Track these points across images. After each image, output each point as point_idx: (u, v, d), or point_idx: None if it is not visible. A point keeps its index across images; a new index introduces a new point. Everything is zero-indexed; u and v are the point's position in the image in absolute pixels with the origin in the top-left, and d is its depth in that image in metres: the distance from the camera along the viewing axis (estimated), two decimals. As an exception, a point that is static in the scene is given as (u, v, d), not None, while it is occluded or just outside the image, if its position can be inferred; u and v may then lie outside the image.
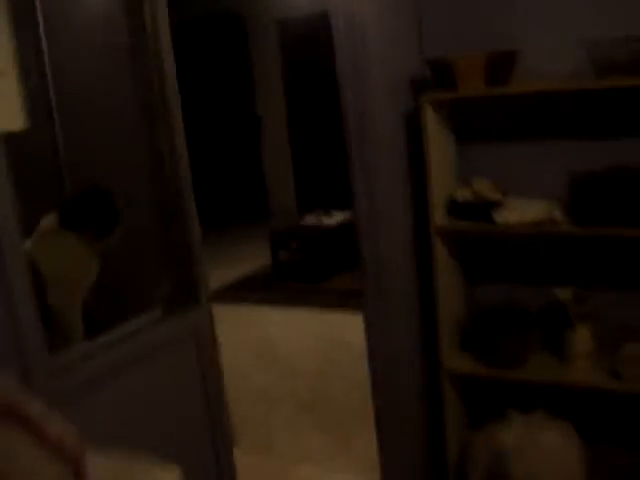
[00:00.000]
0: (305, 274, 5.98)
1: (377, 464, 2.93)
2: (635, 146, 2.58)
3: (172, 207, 2.22)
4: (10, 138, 1.68)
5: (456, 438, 2.93)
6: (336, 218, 6.20)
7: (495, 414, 2.85)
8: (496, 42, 2.62)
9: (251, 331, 5.13)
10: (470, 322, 2.95)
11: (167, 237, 2.23)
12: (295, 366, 4.38)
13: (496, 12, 2.69)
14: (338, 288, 5.69)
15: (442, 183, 2.73)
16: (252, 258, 6.91)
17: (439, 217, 2.71)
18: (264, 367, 4.43)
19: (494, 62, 2.49)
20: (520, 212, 2.58)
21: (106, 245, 2.79)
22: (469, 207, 2.68)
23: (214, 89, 9.04)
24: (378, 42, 2.55)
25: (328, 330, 4.90)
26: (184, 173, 2.22)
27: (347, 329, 4.81)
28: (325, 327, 4.97)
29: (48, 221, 2.81)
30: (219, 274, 6.66)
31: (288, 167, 8.85)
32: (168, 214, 2.21)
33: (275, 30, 8.55)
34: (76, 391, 1.82)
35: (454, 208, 2.74)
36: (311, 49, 7.99)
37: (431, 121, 2.62)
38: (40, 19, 3.32)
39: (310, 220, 6.37)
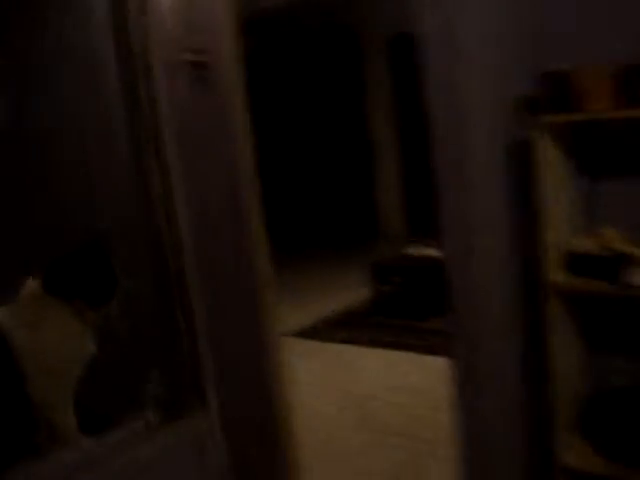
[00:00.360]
0: (407, 311, 5.44)
1: None
2: None
3: (172, 282, 1.74)
4: None
5: None
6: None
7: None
8: (635, 49, 2.04)
9: (341, 376, 4.64)
10: (590, 402, 2.35)
11: (166, 319, 1.77)
12: (385, 425, 3.85)
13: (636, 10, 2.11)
14: (442, 329, 5.12)
15: (559, 230, 2.16)
16: (355, 288, 6.42)
17: (554, 272, 2.15)
18: (350, 424, 3.92)
19: (633, 75, 1.91)
20: (662, 271, 1.99)
21: (103, 316, 2.26)
22: (593, 261, 2.11)
23: (327, 110, 8.67)
24: (476, 52, 2.02)
25: (427, 381, 4.34)
26: (186, 236, 1.73)
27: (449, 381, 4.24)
28: (424, 376, 4.41)
29: (30, 287, 2.21)
30: (318, 306, 6.24)
31: (400, 193, 8.36)
32: (167, 290, 1.73)
33: (389, 48, 8.09)
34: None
35: (574, 261, 2.16)
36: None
37: (546, 152, 2.06)
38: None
39: (416, 250, 5.83)
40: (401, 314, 5.45)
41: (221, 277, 2.98)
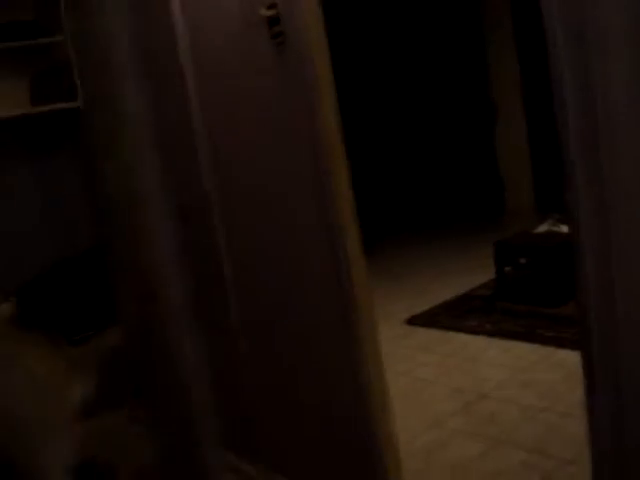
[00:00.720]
0: (537, 296, 4.83)
1: None
2: None
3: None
4: None
5: None
6: (577, 227, 4.98)
7: None
8: None
9: (459, 371, 4.13)
10: None
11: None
12: (507, 432, 3.32)
13: None
14: (574, 317, 4.50)
15: None
16: (478, 269, 5.85)
17: None
18: (466, 428, 3.42)
19: None
20: None
21: (94, 351, 1.75)
22: None
23: (445, 69, 8.00)
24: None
25: (559, 380, 3.76)
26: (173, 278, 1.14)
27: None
28: (556, 374, 3.83)
29: (1, 314, 1.74)
30: (435, 289, 5.73)
31: (526, 160, 7.64)
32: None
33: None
34: None
35: None
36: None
37: None
38: None
39: (545, 227, 5.20)
40: (530, 300, 4.85)
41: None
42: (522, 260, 4.92)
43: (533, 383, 3.76)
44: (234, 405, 3.26)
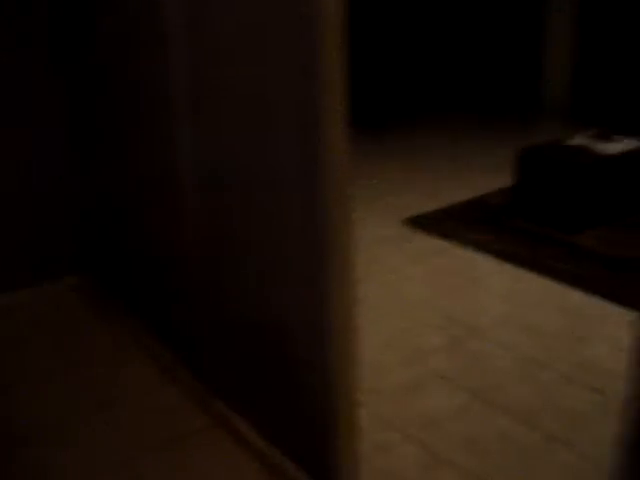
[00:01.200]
0: (552, 217, 4.21)
1: None
2: None
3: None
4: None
5: None
6: (617, 147, 4.30)
7: None
8: None
9: (451, 293, 3.57)
10: None
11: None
12: (497, 389, 2.79)
13: None
14: (591, 249, 3.91)
15: None
16: (499, 171, 5.15)
17: None
18: (452, 374, 2.89)
19: None
20: None
21: None
22: None
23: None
24: None
25: (569, 328, 3.20)
26: None
27: (600, 329, 3.11)
28: (565, 320, 3.27)
29: None
30: (447, 187, 5.07)
31: (571, 59, 6.78)
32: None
33: None
34: None
35: None
36: None
37: None
38: None
39: (579, 141, 4.50)
40: (545, 220, 4.24)
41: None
42: (546, 172, 4.26)
43: (537, 328, 3.19)
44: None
